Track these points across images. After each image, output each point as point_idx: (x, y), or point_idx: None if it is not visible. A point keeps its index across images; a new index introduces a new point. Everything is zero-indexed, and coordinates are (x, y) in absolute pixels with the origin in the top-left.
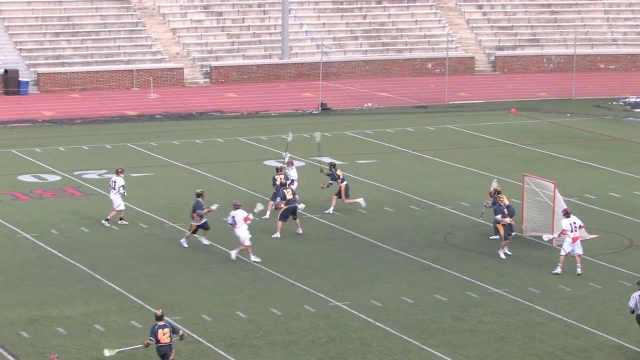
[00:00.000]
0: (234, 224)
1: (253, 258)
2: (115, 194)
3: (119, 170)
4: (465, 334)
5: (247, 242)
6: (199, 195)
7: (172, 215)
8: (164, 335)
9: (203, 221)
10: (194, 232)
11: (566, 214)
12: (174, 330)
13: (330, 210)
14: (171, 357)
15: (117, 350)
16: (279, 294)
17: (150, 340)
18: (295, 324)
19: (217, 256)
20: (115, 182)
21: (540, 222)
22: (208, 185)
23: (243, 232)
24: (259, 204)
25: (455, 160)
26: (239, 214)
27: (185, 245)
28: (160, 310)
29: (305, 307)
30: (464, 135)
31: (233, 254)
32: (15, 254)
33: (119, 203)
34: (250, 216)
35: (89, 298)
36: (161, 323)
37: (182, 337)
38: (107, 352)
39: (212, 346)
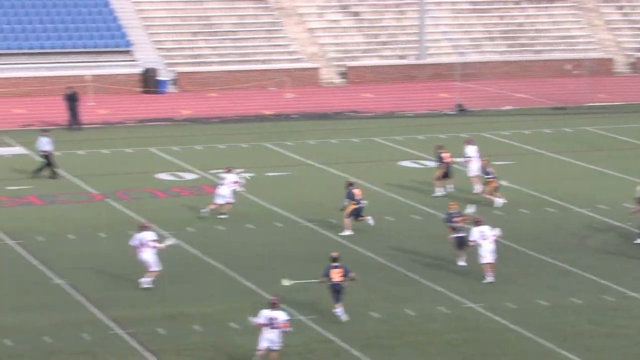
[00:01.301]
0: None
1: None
2: (224, 188)
3: (229, 169)
4: (601, 338)
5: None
6: (350, 184)
7: (306, 215)
8: (337, 274)
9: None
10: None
11: None
12: (346, 272)
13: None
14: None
15: (294, 282)
16: (413, 294)
17: (323, 279)
18: (430, 325)
19: (352, 255)
20: (224, 178)
21: None
22: (342, 185)
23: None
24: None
25: (594, 163)
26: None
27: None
28: (336, 253)
29: (440, 308)
30: (602, 138)
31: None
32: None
33: (225, 195)
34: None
35: (225, 296)
36: (335, 264)
37: (353, 279)
38: (285, 282)
39: (346, 346)
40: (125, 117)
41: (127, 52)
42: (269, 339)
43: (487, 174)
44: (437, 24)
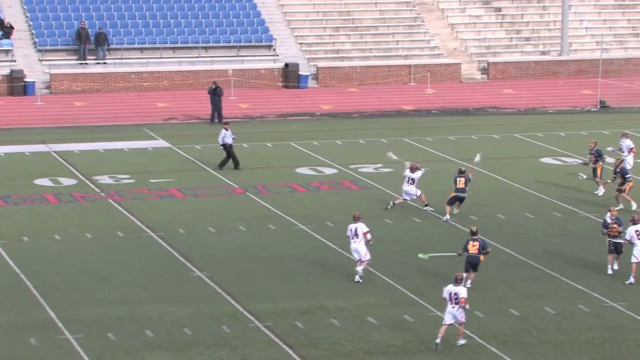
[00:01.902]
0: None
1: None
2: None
3: (414, 166)
4: None
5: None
6: (461, 172)
7: (444, 211)
8: (473, 247)
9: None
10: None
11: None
12: (483, 246)
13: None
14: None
15: (430, 255)
16: (552, 292)
17: (460, 252)
18: (569, 324)
19: (492, 251)
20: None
21: None
22: (482, 181)
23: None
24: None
25: None
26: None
27: None
28: (475, 227)
29: (580, 306)
30: None
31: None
32: (291, 245)
33: (413, 192)
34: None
35: (362, 291)
36: (473, 237)
37: (487, 252)
38: (421, 255)
39: (484, 343)
40: (265, 111)
41: (269, 46)
42: (451, 313)
43: (625, 173)
44: (580, 20)
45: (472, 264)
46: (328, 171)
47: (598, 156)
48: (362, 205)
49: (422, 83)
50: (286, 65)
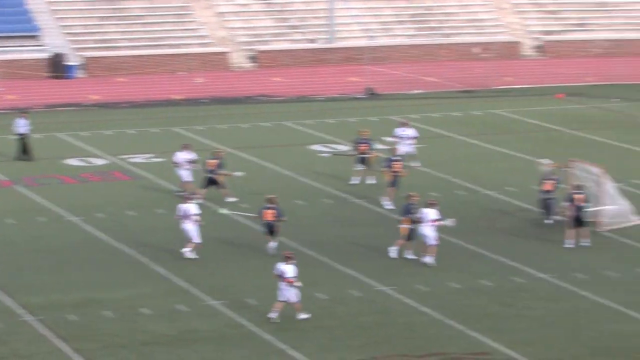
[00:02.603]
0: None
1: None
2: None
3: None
4: (511, 319)
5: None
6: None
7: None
8: (270, 215)
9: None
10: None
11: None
12: (280, 214)
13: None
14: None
15: (232, 212)
16: (324, 278)
17: (257, 215)
18: (341, 309)
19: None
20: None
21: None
22: (253, 169)
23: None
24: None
25: (502, 145)
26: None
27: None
28: (274, 197)
29: (351, 291)
30: (510, 121)
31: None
32: (62, 237)
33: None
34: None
35: (136, 282)
36: (269, 205)
37: (283, 221)
38: (222, 210)
39: (259, 330)
40: (33, 102)
41: (34, 37)
42: (284, 290)
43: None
44: (347, 7)
45: (270, 229)
46: (98, 162)
47: (364, 145)
48: (133, 195)
49: (192, 72)
50: (53, 55)
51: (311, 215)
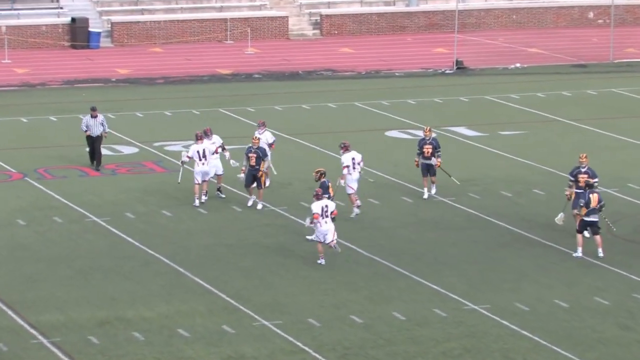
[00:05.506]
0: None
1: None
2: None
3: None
4: (632, 345)
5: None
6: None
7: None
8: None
9: None
10: None
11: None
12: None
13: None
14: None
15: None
16: (401, 294)
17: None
18: (422, 332)
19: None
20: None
21: None
22: (315, 159)
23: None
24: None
25: (622, 132)
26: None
27: None
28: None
29: (435, 310)
30: (633, 101)
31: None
32: (83, 242)
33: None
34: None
35: (171, 296)
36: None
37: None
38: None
39: (320, 357)
40: (49, 77)
41: None
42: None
43: None
44: None
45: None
46: (127, 150)
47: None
48: (169, 191)
49: (241, 41)
50: (73, 20)
51: (387, 217)
